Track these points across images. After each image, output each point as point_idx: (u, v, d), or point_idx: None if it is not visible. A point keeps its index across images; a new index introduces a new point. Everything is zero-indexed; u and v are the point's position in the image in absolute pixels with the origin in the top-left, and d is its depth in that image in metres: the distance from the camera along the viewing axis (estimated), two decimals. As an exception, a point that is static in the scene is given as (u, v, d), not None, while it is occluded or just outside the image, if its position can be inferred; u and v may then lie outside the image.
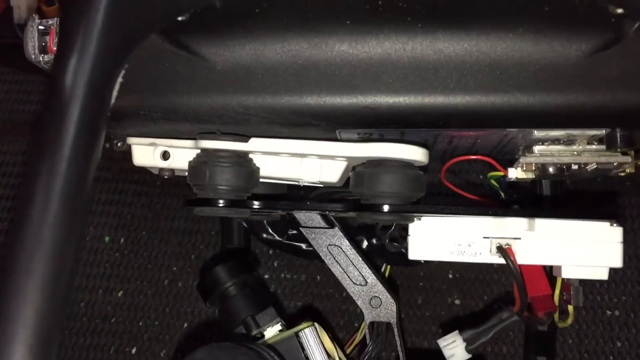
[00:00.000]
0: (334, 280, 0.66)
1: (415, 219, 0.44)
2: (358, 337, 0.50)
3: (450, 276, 0.66)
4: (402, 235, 0.48)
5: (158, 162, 0.46)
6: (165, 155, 0.46)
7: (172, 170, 0.47)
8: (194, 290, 0.67)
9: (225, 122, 0.42)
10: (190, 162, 0.44)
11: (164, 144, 0.45)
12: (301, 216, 0.46)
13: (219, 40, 0.41)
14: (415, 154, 0.41)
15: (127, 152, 0.70)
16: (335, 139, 0.44)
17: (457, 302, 0.65)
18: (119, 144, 0.46)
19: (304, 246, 0.57)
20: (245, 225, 0.57)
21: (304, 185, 0.48)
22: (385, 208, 0.41)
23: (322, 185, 0.48)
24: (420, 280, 0.66)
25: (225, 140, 0.42)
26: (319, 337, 0.46)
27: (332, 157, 0.44)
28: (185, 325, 0.66)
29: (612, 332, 0.64)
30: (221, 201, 0.43)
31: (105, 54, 0.36)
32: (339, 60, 0.41)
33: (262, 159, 0.44)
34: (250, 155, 0.44)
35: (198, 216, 0.69)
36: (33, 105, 0.74)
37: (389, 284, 0.50)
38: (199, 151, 0.44)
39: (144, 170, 0.71)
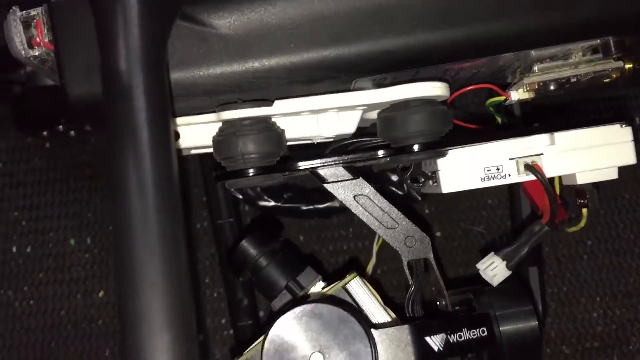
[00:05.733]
0: (316, 237, 0.67)
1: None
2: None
3: (427, 211, 0.68)
4: (421, 174, 0.49)
5: (169, 144, 0.44)
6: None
7: (180, 151, 0.45)
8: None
9: (245, 90, 0.41)
10: (214, 136, 0.42)
11: (176, 123, 0.43)
12: (325, 172, 0.46)
13: (228, 5, 0.40)
14: (439, 89, 0.42)
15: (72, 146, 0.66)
16: (349, 90, 0.43)
17: (438, 234, 0.68)
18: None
19: (302, 207, 0.56)
20: (239, 196, 0.56)
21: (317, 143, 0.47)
22: (419, 147, 0.42)
23: (333, 140, 0.47)
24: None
25: (250, 107, 0.41)
26: (366, 286, 0.46)
27: (352, 108, 0.43)
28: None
29: (582, 232, 0.68)
30: (251, 170, 0.41)
31: (149, 25, 0.34)
32: (351, 8, 0.40)
33: (281, 121, 0.43)
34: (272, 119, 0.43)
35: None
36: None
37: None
38: (219, 125, 0.42)
39: (95, 164, 0.67)
